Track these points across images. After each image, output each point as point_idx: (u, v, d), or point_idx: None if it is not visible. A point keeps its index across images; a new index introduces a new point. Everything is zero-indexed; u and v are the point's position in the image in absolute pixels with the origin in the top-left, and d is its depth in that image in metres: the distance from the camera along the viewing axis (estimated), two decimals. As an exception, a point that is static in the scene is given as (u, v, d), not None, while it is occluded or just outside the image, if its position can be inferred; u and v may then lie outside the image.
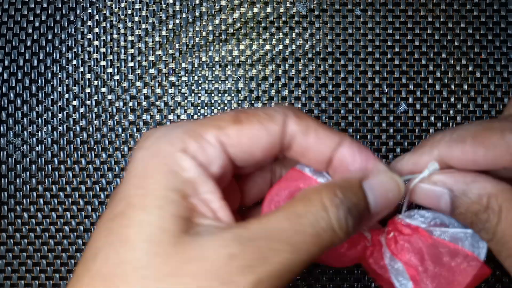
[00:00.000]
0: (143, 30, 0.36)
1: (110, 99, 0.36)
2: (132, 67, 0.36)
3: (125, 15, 0.37)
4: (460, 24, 0.36)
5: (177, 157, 0.21)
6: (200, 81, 0.36)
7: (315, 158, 0.23)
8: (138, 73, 0.36)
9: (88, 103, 0.36)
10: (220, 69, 0.36)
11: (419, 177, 0.24)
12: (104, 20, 0.37)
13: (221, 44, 0.36)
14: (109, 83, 0.36)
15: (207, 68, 0.36)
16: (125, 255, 0.19)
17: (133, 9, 0.37)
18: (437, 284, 0.24)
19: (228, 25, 0.36)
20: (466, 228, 0.24)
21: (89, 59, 0.36)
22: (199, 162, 0.21)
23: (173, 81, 0.36)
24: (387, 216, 0.25)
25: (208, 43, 0.36)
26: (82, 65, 0.36)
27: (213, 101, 0.36)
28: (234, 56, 0.36)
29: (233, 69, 0.36)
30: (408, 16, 0.36)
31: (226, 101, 0.36)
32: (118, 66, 0.36)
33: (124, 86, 0.36)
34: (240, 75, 0.36)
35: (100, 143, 0.36)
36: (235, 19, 0.36)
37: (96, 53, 0.36)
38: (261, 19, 0.36)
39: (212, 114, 0.36)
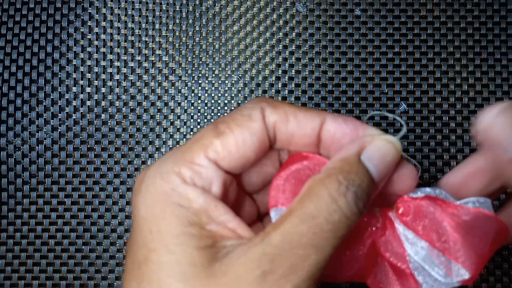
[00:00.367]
0: (143, 30, 0.36)
1: (110, 99, 0.36)
2: (132, 67, 0.36)
3: (125, 15, 0.37)
4: (460, 24, 0.36)
5: (180, 191, 0.21)
6: (200, 81, 0.36)
7: (302, 142, 0.23)
8: (138, 73, 0.36)
9: (88, 103, 0.36)
10: (220, 69, 0.36)
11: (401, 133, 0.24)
12: (104, 20, 0.37)
13: (221, 44, 0.36)
14: (109, 83, 0.36)
15: (207, 68, 0.36)
16: None
17: (133, 9, 0.37)
18: (461, 252, 0.23)
19: (228, 25, 0.36)
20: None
21: (89, 59, 0.36)
22: (201, 187, 0.21)
23: (173, 81, 0.36)
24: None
25: (208, 43, 0.36)
26: (82, 65, 0.36)
27: (213, 101, 0.36)
28: (234, 56, 0.36)
29: (233, 69, 0.36)
30: (408, 16, 0.36)
31: (226, 101, 0.36)
32: (118, 66, 0.36)
33: (124, 86, 0.36)
34: (240, 75, 0.36)
35: (100, 143, 0.36)
36: (235, 19, 0.36)
37: (96, 53, 0.36)
38: (261, 19, 0.36)
39: (212, 114, 0.36)
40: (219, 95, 0.36)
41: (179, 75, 0.36)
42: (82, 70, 0.36)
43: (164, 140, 0.36)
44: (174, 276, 0.20)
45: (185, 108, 0.36)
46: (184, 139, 0.36)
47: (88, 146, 0.36)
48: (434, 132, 0.35)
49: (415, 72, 0.35)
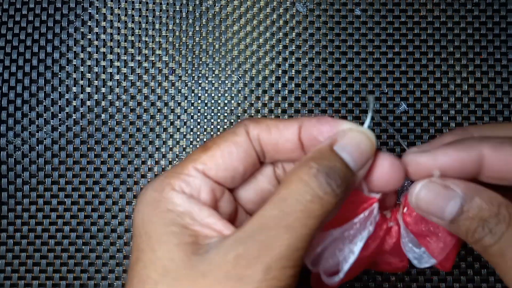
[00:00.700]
0: (143, 30, 0.36)
1: (110, 99, 0.36)
2: (132, 67, 0.36)
3: (125, 15, 0.37)
4: (460, 24, 0.36)
5: (167, 197, 0.23)
6: (200, 81, 0.36)
7: (286, 148, 0.25)
8: (138, 73, 0.36)
9: (88, 103, 0.36)
10: (220, 69, 0.36)
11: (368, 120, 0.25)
12: (104, 20, 0.37)
13: (221, 44, 0.36)
14: (109, 83, 0.36)
15: (207, 68, 0.36)
16: None
17: (133, 9, 0.37)
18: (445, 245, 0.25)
19: (228, 25, 0.36)
20: None
21: (89, 59, 0.36)
22: (188, 194, 0.23)
23: (173, 81, 0.36)
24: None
25: (208, 43, 0.36)
26: (82, 65, 0.36)
27: (213, 101, 0.36)
28: (234, 56, 0.36)
29: (233, 69, 0.36)
30: (408, 16, 0.36)
31: (226, 101, 0.36)
32: (118, 66, 0.36)
33: (124, 86, 0.36)
34: (240, 75, 0.36)
35: (100, 143, 0.36)
36: (235, 19, 0.36)
37: (96, 53, 0.36)
38: (261, 19, 0.36)
39: (212, 114, 0.36)
40: (219, 95, 0.36)
41: (179, 75, 0.36)
42: (82, 70, 0.36)
43: (164, 140, 0.36)
44: (157, 271, 0.22)
45: (185, 108, 0.36)
46: (184, 139, 0.36)
47: (88, 146, 0.36)
48: (434, 132, 0.35)
49: (415, 72, 0.35)
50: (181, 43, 0.36)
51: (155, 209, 0.23)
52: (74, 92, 0.36)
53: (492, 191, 0.24)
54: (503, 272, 0.24)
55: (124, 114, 0.36)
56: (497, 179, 0.24)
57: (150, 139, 0.36)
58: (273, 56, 0.36)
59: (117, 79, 0.36)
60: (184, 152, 0.36)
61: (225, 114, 0.36)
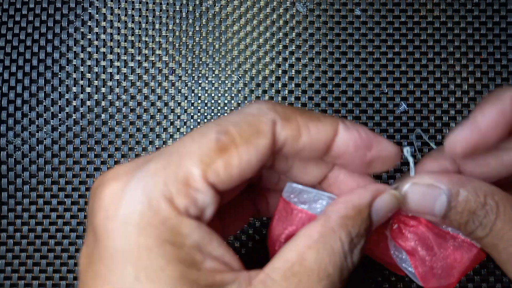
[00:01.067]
0: (143, 30, 0.36)
1: (110, 99, 0.36)
2: (132, 67, 0.36)
3: (125, 15, 0.37)
4: (460, 24, 0.36)
5: (172, 224, 0.18)
6: (200, 81, 0.36)
7: (309, 155, 0.22)
8: (138, 73, 0.36)
9: (88, 103, 0.36)
10: (220, 69, 0.36)
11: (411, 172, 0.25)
12: (104, 20, 0.37)
13: (221, 44, 0.36)
14: (109, 83, 0.36)
15: (207, 68, 0.36)
16: None
17: (133, 9, 0.37)
18: (438, 269, 0.25)
19: (228, 25, 0.36)
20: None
21: (89, 59, 0.36)
22: (194, 217, 0.19)
23: (173, 81, 0.36)
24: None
25: (208, 43, 0.36)
26: (82, 65, 0.36)
27: (213, 101, 0.36)
28: (234, 56, 0.36)
29: (233, 69, 0.36)
30: (408, 16, 0.36)
31: (226, 101, 0.36)
32: (118, 66, 0.36)
33: (124, 86, 0.36)
34: (240, 75, 0.36)
35: (100, 143, 0.36)
36: (235, 19, 0.36)
37: (96, 53, 0.36)
38: (261, 19, 0.36)
39: (212, 114, 0.36)
40: (219, 95, 0.36)
41: (179, 75, 0.36)
42: (82, 70, 0.36)
43: (164, 140, 0.36)
44: None
45: (185, 108, 0.36)
46: (184, 139, 0.36)
47: (88, 146, 0.36)
48: (434, 132, 0.35)
49: (415, 72, 0.35)
50: (181, 43, 0.36)
51: (154, 241, 0.17)
52: (74, 92, 0.36)
53: (477, 180, 0.23)
54: (500, 263, 0.24)
55: (124, 114, 0.36)
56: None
57: (150, 139, 0.36)
58: (273, 56, 0.36)
59: (117, 79, 0.36)
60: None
61: (225, 114, 0.36)
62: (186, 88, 0.36)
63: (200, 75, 0.36)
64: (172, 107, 0.36)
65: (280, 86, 0.36)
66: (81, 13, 0.37)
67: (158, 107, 0.36)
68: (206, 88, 0.36)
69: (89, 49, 0.36)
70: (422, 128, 0.35)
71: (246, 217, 0.27)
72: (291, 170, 0.24)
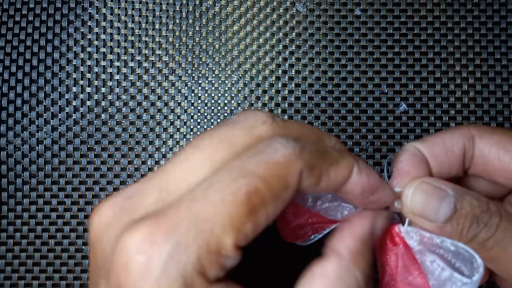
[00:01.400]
0: (143, 30, 0.36)
1: (110, 99, 0.36)
2: (132, 67, 0.36)
3: (125, 15, 0.37)
4: (460, 24, 0.36)
5: None
6: (200, 81, 0.36)
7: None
8: (138, 73, 0.36)
9: (88, 103, 0.36)
10: (220, 69, 0.36)
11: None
12: (104, 20, 0.37)
13: (221, 44, 0.36)
14: (109, 83, 0.36)
15: (207, 68, 0.36)
16: None
17: (133, 9, 0.37)
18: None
19: (228, 25, 0.36)
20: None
21: (89, 59, 0.36)
22: (222, 278, 0.19)
23: (173, 81, 0.36)
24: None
25: (208, 43, 0.36)
26: (82, 65, 0.36)
27: (213, 101, 0.36)
28: (234, 56, 0.36)
29: (233, 69, 0.36)
30: (408, 16, 0.36)
31: (226, 101, 0.36)
32: (118, 66, 0.36)
33: (124, 86, 0.36)
34: (240, 75, 0.36)
35: (100, 143, 0.36)
36: (235, 19, 0.36)
37: (96, 53, 0.36)
38: (261, 19, 0.36)
39: (212, 114, 0.36)
40: (219, 95, 0.36)
41: (179, 75, 0.36)
42: (82, 70, 0.36)
43: (164, 140, 0.36)
44: None
45: (185, 108, 0.36)
46: (184, 139, 0.36)
47: (88, 146, 0.36)
48: (434, 132, 0.35)
49: (415, 72, 0.35)
50: (181, 43, 0.36)
51: None
52: (74, 92, 0.36)
53: (476, 192, 0.24)
54: (502, 265, 0.24)
55: (124, 114, 0.36)
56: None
57: (150, 139, 0.36)
58: (273, 56, 0.36)
59: (117, 79, 0.36)
60: (184, 152, 0.36)
61: (225, 114, 0.36)
62: (186, 88, 0.36)
63: (200, 75, 0.36)
64: (172, 107, 0.36)
65: (280, 86, 0.36)
66: (81, 13, 0.37)
67: (158, 107, 0.36)
68: (206, 88, 0.36)
69: (89, 49, 0.36)
70: (422, 128, 0.35)
71: None
72: None
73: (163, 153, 0.36)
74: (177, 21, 0.36)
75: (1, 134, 0.36)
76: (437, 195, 0.24)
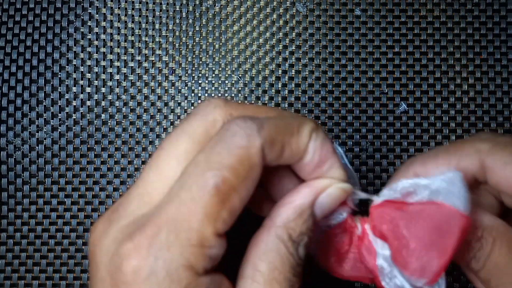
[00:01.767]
0: (143, 30, 0.36)
1: (110, 99, 0.36)
2: (132, 67, 0.36)
3: (125, 15, 0.37)
4: (460, 24, 0.36)
5: (192, 286, 0.19)
6: (200, 81, 0.36)
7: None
8: (138, 73, 0.36)
9: (88, 103, 0.36)
10: (220, 69, 0.36)
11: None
12: (104, 20, 0.37)
13: (221, 44, 0.36)
14: (109, 83, 0.36)
15: (207, 68, 0.36)
16: None
17: (133, 9, 0.37)
18: (422, 251, 0.23)
19: (228, 25, 0.36)
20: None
21: (89, 59, 0.36)
22: (210, 269, 0.20)
23: (173, 81, 0.36)
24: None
25: (208, 43, 0.36)
26: (82, 65, 0.36)
27: (213, 101, 0.36)
28: (234, 56, 0.36)
29: (233, 69, 0.36)
30: (408, 16, 0.36)
31: (226, 101, 0.36)
32: (118, 66, 0.36)
33: (124, 86, 0.36)
34: (240, 75, 0.36)
35: (100, 143, 0.36)
36: (235, 19, 0.36)
37: (96, 53, 0.36)
38: (261, 19, 0.36)
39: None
40: (219, 95, 0.36)
41: (179, 75, 0.36)
42: (82, 70, 0.36)
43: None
44: None
45: (185, 108, 0.36)
46: (184, 139, 0.36)
47: (88, 146, 0.36)
48: (434, 132, 0.35)
49: (415, 72, 0.35)
50: (181, 43, 0.36)
51: None
52: (74, 92, 0.36)
53: (481, 212, 0.23)
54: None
55: (124, 114, 0.36)
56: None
57: (150, 139, 0.36)
58: (273, 56, 0.36)
59: (117, 79, 0.36)
60: (184, 152, 0.36)
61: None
62: (186, 88, 0.36)
63: (200, 75, 0.36)
64: (172, 107, 0.36)
65: (280, 86, 0.36)
66: (81, 13, 0.37)
67: (158, 107, 0.36)
68: (206, 88, 0.36)
69: (89, 49, 0.36)
70: (422, 128, 0.35)
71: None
72: None
73: (163, 153, 0.36)
74: (177, 21, 0.36)
75: (1, 134, 0.36)
76: None
